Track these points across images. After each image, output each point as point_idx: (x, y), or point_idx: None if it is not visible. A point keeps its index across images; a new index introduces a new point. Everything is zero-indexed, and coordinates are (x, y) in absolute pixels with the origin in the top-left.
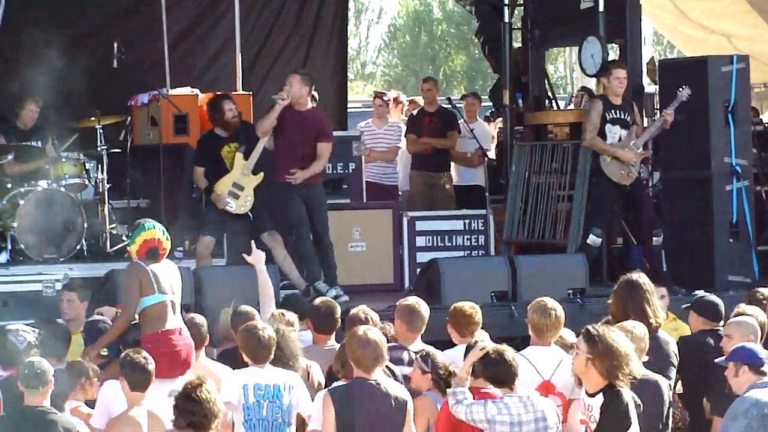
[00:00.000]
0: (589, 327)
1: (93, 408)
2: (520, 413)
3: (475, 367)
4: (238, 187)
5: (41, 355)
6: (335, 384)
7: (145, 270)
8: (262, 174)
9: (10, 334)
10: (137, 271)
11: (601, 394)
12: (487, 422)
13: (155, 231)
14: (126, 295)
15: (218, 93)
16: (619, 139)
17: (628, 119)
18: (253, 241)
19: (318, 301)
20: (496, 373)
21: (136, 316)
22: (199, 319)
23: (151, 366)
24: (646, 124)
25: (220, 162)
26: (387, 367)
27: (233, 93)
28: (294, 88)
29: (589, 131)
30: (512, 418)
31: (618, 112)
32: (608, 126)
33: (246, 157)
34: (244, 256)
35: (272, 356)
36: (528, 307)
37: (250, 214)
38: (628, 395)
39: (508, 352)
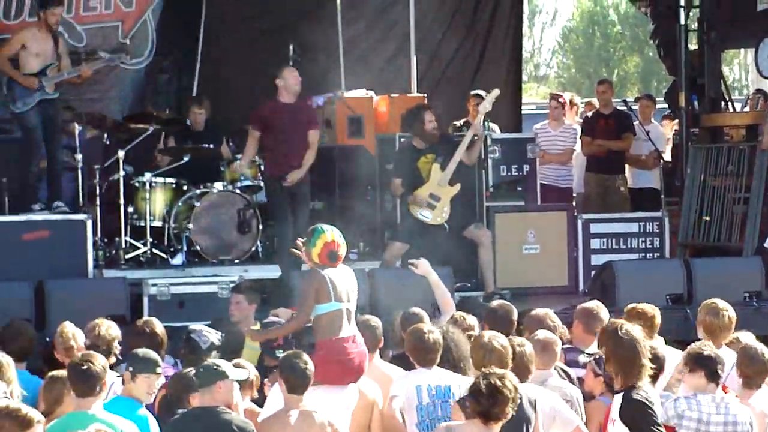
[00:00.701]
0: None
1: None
2: (710, 413)
3: (686, 359)
4: (435, 198)
5: (220, 356)
6: None
7: (323, 277)
8: (458, 185)
9: (193, 333)
10: (315, 279)
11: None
12: (677, 417)
13: (333, 233)
14: (301, 301)
15: (418, 104)
16: None
17: None
18: (410, 261)
19: (495, 303)
20: (709, 366)
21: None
22: (374, 321)
23: (311, 371)
24: None
25: (417, 173)
26: (562, 369)
27: (408, 95)
28: (290, 80)
29: (767, 134)
30: (701, 415)
31: None
32: None
33: (443, 168)
34: (412, 268)
35: (438, 359)
36: (699, 309)
37: (446, 225)
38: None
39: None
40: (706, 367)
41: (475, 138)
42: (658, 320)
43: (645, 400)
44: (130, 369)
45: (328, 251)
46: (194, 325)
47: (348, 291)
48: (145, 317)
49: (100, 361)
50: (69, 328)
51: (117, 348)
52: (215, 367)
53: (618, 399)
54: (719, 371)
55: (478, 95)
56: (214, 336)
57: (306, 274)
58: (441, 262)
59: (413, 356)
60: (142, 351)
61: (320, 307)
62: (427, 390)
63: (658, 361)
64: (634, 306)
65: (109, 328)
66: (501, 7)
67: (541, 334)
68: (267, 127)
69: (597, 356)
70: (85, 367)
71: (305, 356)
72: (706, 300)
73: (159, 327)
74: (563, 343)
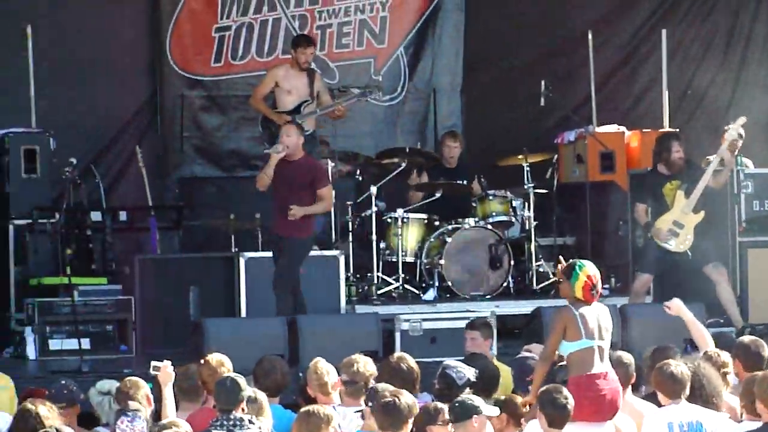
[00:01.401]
0: None
1: None
2: None
3: None
4: (678, 225)
5: (474, 392)
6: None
7: (574, 315)
8: (702, 212)
9: (449, 369)
10: (565, 315)
11: None
12: None
13: (592, 267)
14: (547, 336)
15: (667, 131)
16: None
17: None
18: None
19: (747, 339)
20: None
21: (563, 357)
22: (627, 357)
23: (571, 405)
24: None
25: (661, 199)
26: None
27: (660, 130)
28: (292, 138)
29: None
30: None
31: None
32: None
33: (687, 195)
34: (665, 308)
35: (687, 392)
36: None
37: (689, 252)
38: None
39: None
40: None
41: (722, 166)
42: None
43: None
44: (370, 404)
45: (591, 285)
46: (449, 361)
47: (601, 328)
48: (399, 353)
49: (406, 399)
50: (322, 364)
51: (373, 384)
52: (469, 401)
53: None
54: None
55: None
56: (469, 372)
57: (557, 310)
58: (687, 292)
59: (660, 390)
60: (381, 386)
61: (572, 344)
62: (678, 427)
63: None
64: None
65: (366, 364)
66: (754, 39)
67: None
68: (273, 183)
69: None
70: (391, 401)
71: (565, 390)
72: None
73: (412, 362)
74: None
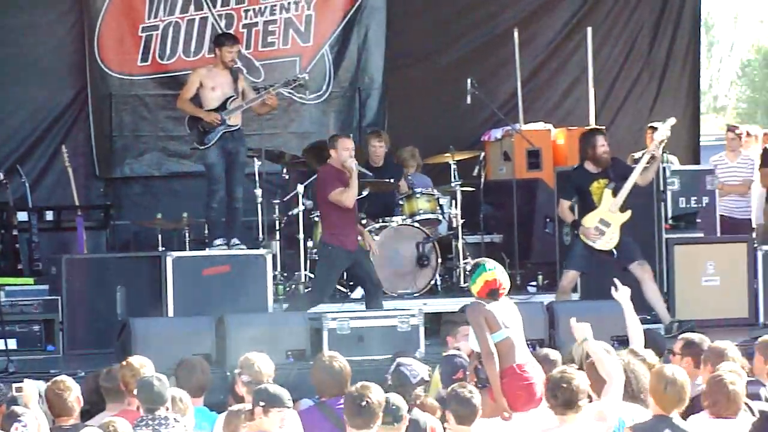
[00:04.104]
0: None
1: None
2: None
3: None
4: (605, 224)
5: (424, 390)
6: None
7: (488, 308)
8: (629, 212)
9: (402, 366)
10: (480, 310)
11: None
12: None
13: (495, 272)
14: (477, 335)
15: (592, 127)
16: None
17: None
18: (616, 279)
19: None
20: None
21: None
22: (554, 354)
23: (476, 399)
24: None
25: (588, 197)
26: (745, 402)
27: (586, 128)
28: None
29: None
30: None
31: None
32: None
33: (615, 194)
34: (612, 289)
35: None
36: None
37: (614, 251)
38: None
39: None
40: None
41: (650, 164)
42: None
43: None
44: (261, 404)
45: (489, 289)
46: (403, 358)
47: (512, 319)
48: (330, 351)
49: (376, 396)
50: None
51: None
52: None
53: None
54: None
55: (654, 128)
56: (423, 370)
57: (470, 308)
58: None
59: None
60: (272, 386)
61: (493, 336)
62: None
63: None
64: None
65: (265, 364)
66: (679, 37)
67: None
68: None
69: None
70: (364, 403)
71: (470, 386)
72: None
73: (344, 361)
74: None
